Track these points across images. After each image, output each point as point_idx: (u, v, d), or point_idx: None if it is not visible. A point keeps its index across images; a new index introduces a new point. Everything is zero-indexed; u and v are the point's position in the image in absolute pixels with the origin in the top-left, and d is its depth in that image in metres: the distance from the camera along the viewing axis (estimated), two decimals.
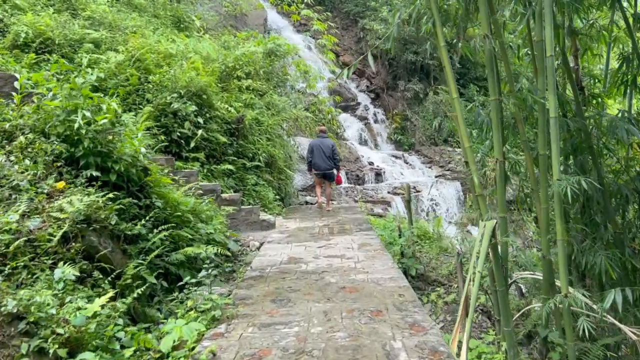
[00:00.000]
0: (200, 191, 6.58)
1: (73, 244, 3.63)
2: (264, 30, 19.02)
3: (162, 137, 8.29)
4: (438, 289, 7.02)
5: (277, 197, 10.67)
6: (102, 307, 3.29)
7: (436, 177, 18.14)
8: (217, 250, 5.15)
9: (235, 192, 9.39)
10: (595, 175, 6.08)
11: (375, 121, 21.29)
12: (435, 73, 21.65)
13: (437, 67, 21.32)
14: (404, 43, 21.32)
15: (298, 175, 14.58)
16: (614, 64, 7.33)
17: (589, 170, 6.23)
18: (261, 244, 7.10)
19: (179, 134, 8.54)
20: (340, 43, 21.63)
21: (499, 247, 4.93)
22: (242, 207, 8.05)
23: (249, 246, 7.10)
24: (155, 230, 4.62)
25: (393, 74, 22.32)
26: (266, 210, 9.72)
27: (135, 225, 4.41)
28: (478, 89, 22.27)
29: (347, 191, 15.55)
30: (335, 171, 10.68)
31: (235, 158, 9.61)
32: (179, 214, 5.14)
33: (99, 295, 3.46)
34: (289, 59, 13.60)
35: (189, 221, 5.34)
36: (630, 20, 5.91)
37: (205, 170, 8.82)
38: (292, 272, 5.19)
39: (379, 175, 17.49)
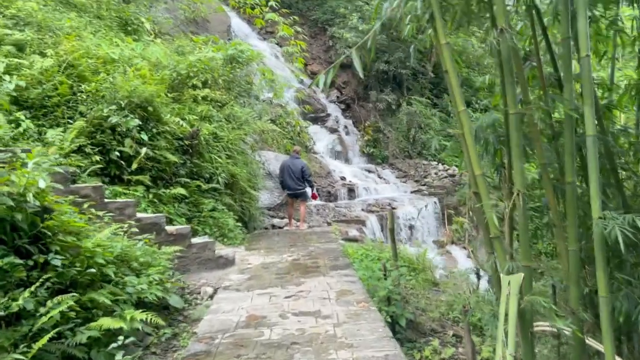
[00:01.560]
0: (135, 229, 5.20)
1: None
2: (228, 37, 17.71)
3: (97, 158, 6.88)
4: (432, 340, 5.82)
5: (239, 222, 9.32)
6: None
7: (412, 192, 17.14)
8: (148, 318, 3.79)
9: (188, 220, 8.00)
10: (619, 200, 5.03)
11: (347, 133, 20.17)
12: (408, 83, 20.72)
13: (410, 76, 20.42)
14: (375, 52, 20.32)
15: (265, 193, 13.23)
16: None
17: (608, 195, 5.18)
18: (215, 290, 5.75)
19: (117, 153, 7.13)
20: (308, 52, 20.48)
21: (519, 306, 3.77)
22: (194, 241, 6.67)
23: (199, 293, 5.74)
24: (52, 301, 3.24)
25: (364, 84, 21.29)
26: (225, 240, 8.36)
27: (16, 299, 3.03)
28: None
29: (318, 209, 14.30)
30: (307, 190, 10.81)
31: (189, 180, 8.23)
32: (94, 270, 3.76)
33: None
34: (253, 67, 12.34)
35: (109, 277, 3.96)
36: None
37: (150, 196, 7.41)
38: (250, 345, 3.87)
39: (351, 191, 16.33)
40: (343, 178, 16.96)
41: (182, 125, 8.19)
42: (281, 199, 14.23)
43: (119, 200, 5.80)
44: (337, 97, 21.64)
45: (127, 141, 7.25)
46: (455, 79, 4.07)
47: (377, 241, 11.82)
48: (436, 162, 18.61)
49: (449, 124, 20.52)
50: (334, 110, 20.83)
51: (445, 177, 17.22)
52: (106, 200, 5.59)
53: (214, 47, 10.73)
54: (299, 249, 8.14)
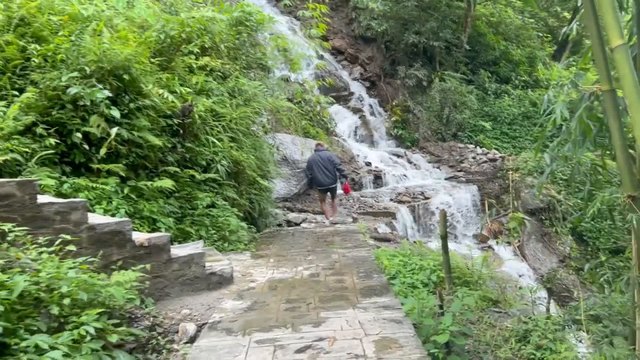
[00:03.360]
0: (72, 247, 3.47)
1: None
2: None
3: (52, 141, 5.18)
4: None
5: (246, 220, 7.58)
6: None
7: (446, 179, 15.22)
8: None
9: (177, 220, 6.29)
10: None
11: (372, 114, 18.24)
12: (440, 57, 18.58)
13: (443, 49, 18.28)
14: (403, 23, 18.27)
15: (279, 183, 11.45)
16: None
17: None
18: (199, 329, 4.02)
19: (80, 135, 5.43)
20: (329, 25, 18.50)
21: None
22: (176, 252, 4.93)
23: (176, 332, 4.02)
24: None
25: (391, 59, 19.26)
26: (226, 244, 6.63)
27: None
28: (490, 74, 19.34)
29: (341, 200, 12.49)
30: (340, 182, 10.11)
31: (179, 169, 6.50)
32: None
33: None
34: (265, 36, 10.52)
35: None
36: None
37: (126, 190, 5.71)
38: None
39: (378, 179, 14.49)
40: (368, 164, 15.12)
41: (169, 100, 6.44)
42: (299, 189, 12.48)
43: (60, 200, 4.06)
44: (361, 74, 19.67)
45: (93, 119, 5.53)
46: None
47: (410, 239, 10.01)
48: (473, 145, 16.59)
49: (486, 103, 18.42)
50: (357, 88, 18.90)
51: (485, 162, 15.21)
52: (41, 201, 3.87)
53: (215, 7, 8.91)
54: (319, 257, 6.35)
